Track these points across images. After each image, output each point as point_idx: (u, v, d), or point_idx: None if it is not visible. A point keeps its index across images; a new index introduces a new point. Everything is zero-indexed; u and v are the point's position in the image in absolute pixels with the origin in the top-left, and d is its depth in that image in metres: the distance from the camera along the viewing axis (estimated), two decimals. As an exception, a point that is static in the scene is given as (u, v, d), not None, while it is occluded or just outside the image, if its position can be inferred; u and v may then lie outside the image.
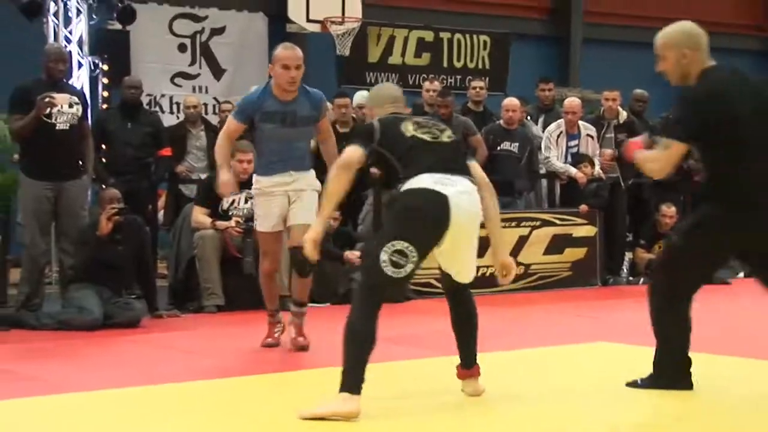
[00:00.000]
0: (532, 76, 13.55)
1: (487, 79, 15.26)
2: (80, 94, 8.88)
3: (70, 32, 11.34)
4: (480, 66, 17.34)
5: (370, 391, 4.67)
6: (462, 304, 5.17)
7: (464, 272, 5.10)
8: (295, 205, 6.73)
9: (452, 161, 5.01)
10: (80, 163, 8.51)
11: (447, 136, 5.13)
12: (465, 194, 4.88)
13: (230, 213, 9.19)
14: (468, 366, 5.17)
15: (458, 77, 17.05)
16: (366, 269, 4.92)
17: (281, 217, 6.79)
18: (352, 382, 4.61)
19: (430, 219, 4.79)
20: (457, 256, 5.00)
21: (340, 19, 13.77)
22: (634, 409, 5.16)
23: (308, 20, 13.79)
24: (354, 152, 5.03)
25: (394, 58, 17.02)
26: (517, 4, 17.84)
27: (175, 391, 5.60)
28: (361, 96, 10.95)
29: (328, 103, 8.29)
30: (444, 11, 17.10)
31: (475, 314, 5.19)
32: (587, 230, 11.23)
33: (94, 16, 11.54)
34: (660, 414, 5.11)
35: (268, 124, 6.67)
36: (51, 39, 11.09)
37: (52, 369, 6.43)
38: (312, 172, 6.84)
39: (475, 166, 5.24)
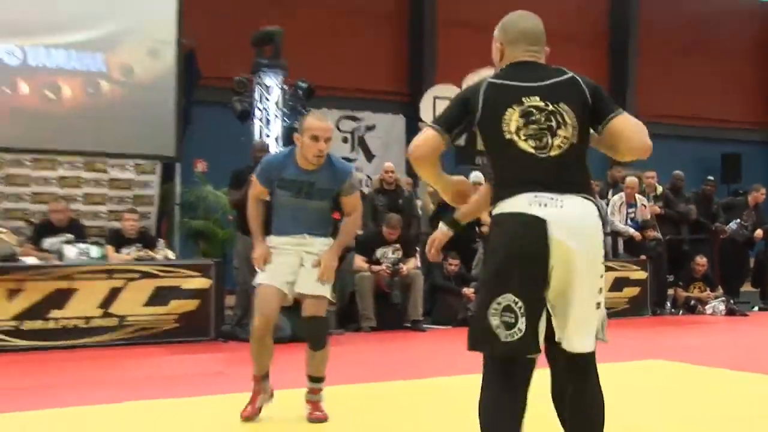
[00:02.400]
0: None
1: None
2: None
3: (270, 130, 11.56)
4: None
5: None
6: (577, 390, 2.81)
7: (576, 334, 2.75)
8: (305, 271, 4.75)
9: (561, 177, 2.72)
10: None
11: (562, 138, 2.74)
12: (574, 217, 2.68)
13: (381, 260, 9.19)
14: None
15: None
16: (480, 340, 2.70)
17: (290, 277, 4.74)
18: None
19: (525, 255, 2.65)
20: (567, 304, 2.71)
21: (457, 119, 13.72)
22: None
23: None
24: (426, 140, 2.78)
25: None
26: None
27: (349, 391, 5.54)
28: (475, 175, 10.82)
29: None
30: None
31: (597, 413, 2.81)
32: (640, 274, 10.86)
33: (286, 120, 11.77)
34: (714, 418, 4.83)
35: (284, 191, 4.74)
36: (257, 136, 11.32)
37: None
38: (329, 240, 4.89)
39: (619, 122, 2.85)
